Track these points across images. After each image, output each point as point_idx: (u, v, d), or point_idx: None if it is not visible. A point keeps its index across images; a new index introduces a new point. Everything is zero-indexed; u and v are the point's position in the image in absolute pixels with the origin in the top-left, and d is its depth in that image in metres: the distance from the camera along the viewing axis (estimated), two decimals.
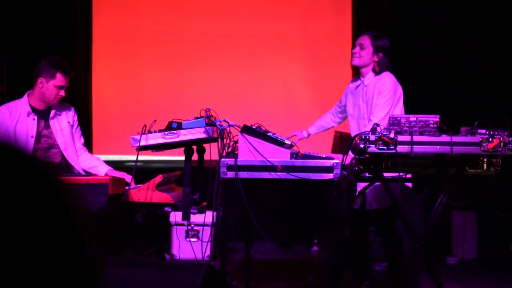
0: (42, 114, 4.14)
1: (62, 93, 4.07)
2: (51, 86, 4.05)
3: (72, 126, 4.24)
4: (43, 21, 6.52)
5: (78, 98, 6.46)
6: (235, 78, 6.73)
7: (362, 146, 3.23)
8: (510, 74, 6.43)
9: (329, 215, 3.46)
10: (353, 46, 4.31)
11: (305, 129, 4.69)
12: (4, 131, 4.04)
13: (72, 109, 4.32)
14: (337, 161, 3.36)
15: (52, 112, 4.17)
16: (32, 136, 4.07)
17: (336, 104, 4.58)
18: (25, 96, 4.13)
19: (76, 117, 4.32)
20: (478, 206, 5.97)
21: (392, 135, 3.25)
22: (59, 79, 4.04)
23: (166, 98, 6.68)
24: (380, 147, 3.24)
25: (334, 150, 6.04)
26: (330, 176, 3.35)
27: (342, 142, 5.84)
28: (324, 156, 3.51)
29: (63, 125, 4.19)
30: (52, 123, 4.17)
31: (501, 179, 3.37)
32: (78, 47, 6.68)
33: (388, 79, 4.12)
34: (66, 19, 6.64)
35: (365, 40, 4.22)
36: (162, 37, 6.72)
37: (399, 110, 4.10)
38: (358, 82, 4.27)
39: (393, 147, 3.23)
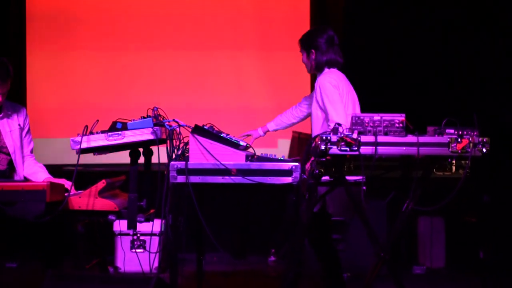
0: None
1: (0, 98, 4.01)
2: None
3: (22, 129, 4.21)
4: None
5: (11, 96, 6.35)
6: (184, 73, 6.71)
7: (323, 147, 3.25)
8: (480, 70, 6.56)
9: (287, 222, 3.48)
10: None
11: (261, 126, 4.68)
12: None
13: (24, 111, 4.28)
14: (296, 163, 3.39)
15: (2, 113, 4.12)
16: None
17: (304, 97, 4.60)
18: None
19: (27, 120, 4.29)
20: (446, 211, 6.08)
21: (355, 136, 3.28)
22: None
23: (109, 96, 6.63)
24: (342, 148, 3.27)
25: (292, 152, 6.08)
26: (288, 180, 3.38)
27: (301, 143, 5.88)
28: (282, 158, 3.53)
29: (13, 127, 4.16)
30: (1, 124, 4.12)
31: (470, 182, 3.44)
32: (10, 42, 6.57)
33: (320, 79, 4.18)
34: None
35: (300, 48, 4.33)
36: (103, 27, 6.66)
37: (348, 109, 4.13)
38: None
39: (356, 148, 3.26)
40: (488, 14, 6.53)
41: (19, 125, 4.20)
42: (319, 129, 4.14)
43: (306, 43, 4.29)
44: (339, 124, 3.33)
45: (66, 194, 3.53)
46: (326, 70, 4.23)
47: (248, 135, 4.64)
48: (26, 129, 4.26)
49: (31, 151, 4.30)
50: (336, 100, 4.06)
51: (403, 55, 6.63)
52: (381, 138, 3.30)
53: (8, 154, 4.12)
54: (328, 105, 4.06)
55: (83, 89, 6.63)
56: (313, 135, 4.13)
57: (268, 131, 4.68)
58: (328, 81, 4.11)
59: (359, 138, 3.27)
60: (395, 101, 6.30)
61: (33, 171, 4.18)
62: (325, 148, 3.25)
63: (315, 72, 4.32)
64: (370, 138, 3.29)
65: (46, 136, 6.44)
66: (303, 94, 4.51)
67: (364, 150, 3.28)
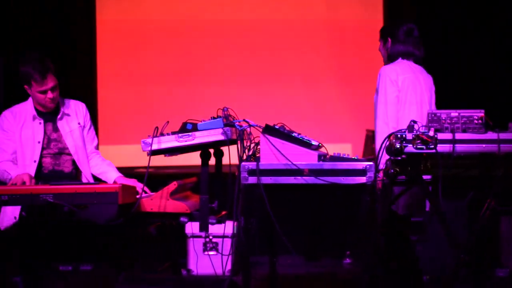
0: (49, 117, 4.17)
1: (50, 95, 4.04)
2: (34, 92, 4.06)
3: (83, 127, 4.25)
4: (41, 17, 6.58)
5: (81, 99, 6.50)
6: (254, 73, 6.73)
7: (398, 145, 3.21)
8: None
9: (362, 223, 3.44)
10: None
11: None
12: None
13: (83, 107, 4.32)
14: (370, 163, 3.35)
15: (60, 113, 4.19)
16: (39, 142, 4.10)
17: None
18: (30, 98, 4.16)
19: (88, 116, 4.32)
20: None
21: (431, 133, 3.23)
22: (36, 86, 4.02)
23: (180, 97, 6.70)
24: (419, 146, 3.22)
25: (366, 151, 6.02)
26: (363, 179, 3.34)
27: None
28: (355, 157, 3.50)
29: (73, 126, 4.21)
30: (61, 124, 4.18)
31: None
32: (80, 42, 6.73)
33: (383, 68, 4.18)
34: (66, 14, 6.70)
35: (380, 36, 4.36)
36: (173, 30, 6.75)
37: (405, 104, 4.09)
38: None
39: (433, 146, 3.21)
40: None
41: (79, 123, 4.23)
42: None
43: (385, 31, 4.33)
44: (415, 122, 3.28)
45: (138, 196, 3.59)
46: (399, 60, 4.20)
47: None
48: (87, 126, 4.30)
49: (96, 147, 4.34)
50: (382, 100, 4.06)
51: (479, 51, 6.50)
52: (459, 135, 3.25)
53: (71, 155, 4.17)
54: (378, 99, 4.08)
55: (153, 91, 6.73)
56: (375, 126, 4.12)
57: None
58: (388, 73, 4.11)
59: (436, 136, 3.22)
60: (473, 97, 6.18)
61: (103, 170, 4.23)
62: (400, 146, 3.21)
63: (388, 61, 4.29)
64: (447, 136, 3.24)
65: (117, 138, 6.57)
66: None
67: (442, 148, 3.23)
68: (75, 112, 4.25)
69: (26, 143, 4.09)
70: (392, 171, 3.37)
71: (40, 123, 4.12)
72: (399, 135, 3.22)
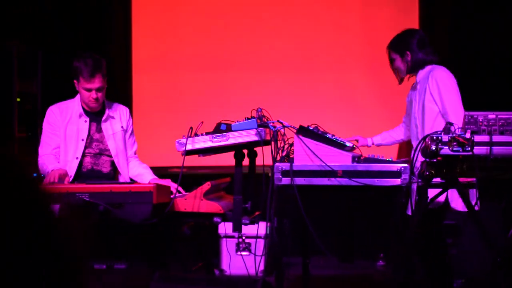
0: (95, 117, 4.23)
1: (94, 95, 4.09)
2: (81, 89, 4.13)
3: (125, 131, 4.31)
4: (76, 15, 6.65)
5: (116, 98, 6.57)
6: (288, 74, 6.73)
7: (433, 148, 3.19)
8: None
9: (396, 225, 3.43)
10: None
11: (368, 135, 4.70)
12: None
13: (127, 111, 4.38)
14: (405, 165, 3.34)
15: (105, 115, 4.24)
16: (82, 140, 4.16)
17: (404, 116, 4.60)
18: (78, 96, 4.23)
19: (131, 121, 4.39)
20: None
21: (468, 135, 3.20)
22: (83, 82, 4.08)
23: (213, 98, 6.73)
24: (455, 148, 3.20)
25: (400, 153, 5.99)
26: (397, 181, 3.32)
27: (410, 144, 5.78)
28: (390, 159, 3.49)
29: (116, 129, 4.26)
30: (104, 126, 4.24)
31: None
32: (115, 41, 6.79)
33: (438, 72, 4.17)
34: (103, 12, 6.77)
35: (390, 55, 4.37)
36: (207, 30, 6.77)
37: None
38: (414, 84, 4.33)
39: (469, 148, 3.18)
40: None
41: (122, 127, 4.29)
42: (432, 123, 4.10)
43: (399, 46, 4.32)
44: (451, 124, 3.26)
45: (172, 196, 3.61)
46: (429, 66, 4.22)
47: (355, 140, 4.63)
48: (129, 131, 4.36)
49: (135, 153, 4.39)
50: (456, 96, 4.05)
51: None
52: (496, 138, 3.21)
53: (111, 157, 4.22)
54: (447, 100, 4.04)
55: (188, 91, 6.76)
56: (425, 130, 4.08)
57: (373, 144, 4.68)
58: (449, 74, 4.11)
59: (472, 138, 3.19)
60: (506, 99, 6.11)
61: (138, 173, 4.28)
62: (436, 148, 3.19)
63: (411, 73, 4.31)
64: (484, 138, 3.21)
65: (152, 138, 6.62)
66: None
67: (478, 150, 3.20)
68: (119, 116, 4.31)
69: (70, 139, 4.15)
70: (427, 173, 3.35)
71: (85, 121, 4.19)
72: (435, 137, 3.20)
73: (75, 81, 4.13)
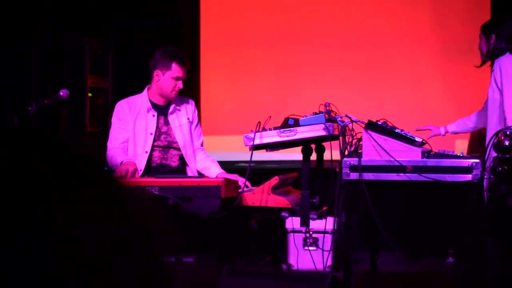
0: (162, 110, 4.31)
1: (180, 84, 4.20)
2: (168, 77, 4.20)
3: (191, 123, 4.37)
4: (146, 13, 6.76)
5: (184, 93, 6.65)
6: (356, 68, 6.68)
7: (507, 143, 3.13)
8: None
9: (467, 222, 3.37)
10: None
11: (441, 125, 4.62)
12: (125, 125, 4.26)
13: (192, 103, 4.45)
14: (477, 160, 3.28)
15: (172, 107, 4.31)
16: (151, 133, 4.24)
17: (484, 102, 4.50)
18: (145, 90, 4.32)
19: (196, 113, 4.45)
20: None
21: None
22: (175, 69, 4.19)
23: (281, 93, 6.74)
24: None
25: (471, 148, 5.88)
26: (468, 177, 3.27)
27: (481, 138, 5.67)
28: (461, 154, 3.43)
29: (183, 121, 4.33)
30: (171, 118, 4.31)
31: None
32: (184, 39, 6.88)
33: (504, 59, 4.05)
34: (172, 9, 6.87)
35: (480, 32, 4.27)
36: (275, 26, 6.78)
37: None
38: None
39: None
40: None
41: (188, 118, 4.34)
42: (494, 113, 4.01)
43: (489, 27, 4.21)
44: None
45: (240, 191, 3.64)
46: (508, 54, 4.10)
47: (427, 129, 4.56)
48: (195, 122, 4.41)
49: (202, 144, 4.44)
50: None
51: None
52: None
53: (179, 149, 4.27)
54: (507, 90, 3.93)
55: (256, 86, 6.80)
56: (488, 120, 4.00)
57: (447, 132, 4.59)
58: None
59: None
60: None
61: (206, 166, 4.32)
62: (509, 144, 3.12)
63: (488, 58, 4.18)
64: None
65: (220, 133, 6.68)
66: (484, 95, 4.38)
67: None
68: (185, 108, 4.37)
69: (139, 133, 4.24)
70: (500, 169, 3.28)
71: (153, 115, 4.26)
72: (508, 132, 3.14)
73: (158, 71, 4.20)
